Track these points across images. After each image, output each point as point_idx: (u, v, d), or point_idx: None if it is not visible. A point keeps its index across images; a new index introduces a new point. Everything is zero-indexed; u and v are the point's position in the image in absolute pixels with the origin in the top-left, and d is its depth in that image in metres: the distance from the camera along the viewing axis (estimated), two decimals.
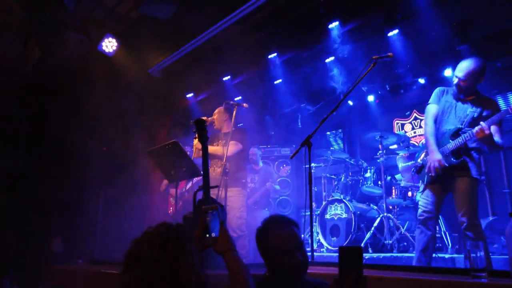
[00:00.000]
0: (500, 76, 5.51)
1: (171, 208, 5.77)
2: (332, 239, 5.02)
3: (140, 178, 6.50)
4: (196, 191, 2.82)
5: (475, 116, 3.16)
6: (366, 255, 4.45)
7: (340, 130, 7.68)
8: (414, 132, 6.62)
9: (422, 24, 4.69)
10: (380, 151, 5.15)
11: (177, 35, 5.45)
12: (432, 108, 3.36)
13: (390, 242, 4.62)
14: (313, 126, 3.22)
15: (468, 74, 3.11)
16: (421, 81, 6.00)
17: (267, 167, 6.25)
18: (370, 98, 6.88)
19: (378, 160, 5.14)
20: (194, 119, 3.02)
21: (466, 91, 3.20)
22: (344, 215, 5.02)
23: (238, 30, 5.11)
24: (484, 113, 3.16)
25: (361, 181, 5.45)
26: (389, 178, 5.24)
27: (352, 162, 5.79)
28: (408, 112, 6.74)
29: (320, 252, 5.04)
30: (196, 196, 2.87)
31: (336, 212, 5.12)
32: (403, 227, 4.77)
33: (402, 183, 5.15)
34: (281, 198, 6.60)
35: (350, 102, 7.10)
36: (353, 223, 4.87)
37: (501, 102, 5.62)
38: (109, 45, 5.55)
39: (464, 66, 3.13)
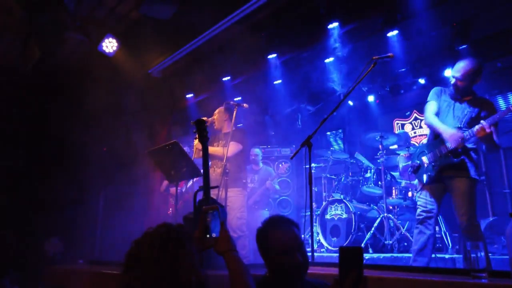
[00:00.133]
0: (500, 76, 5.52)
1: (170, 209, 5.76)
2: (332, 239, 5.03)
3: (140, 179, 6.51)
4: (196, 192, 2.81)
5: (473, 116, 3.18)
6: (366, 256, 4.45)
7: (340, 130, 7.69)
8: (414, 133, 6.62)
9: (422, 24, 4.69)
10: (380, 151, 5.15)
11: (177, 35, 5.45)
12: (432, 105, 3.36)
13: (390, 242, 4.62)
14: (313, 126, 3.22)
15: (465, 74, 3.13)
16: (421, 81, 6.01)
17: (266, 167, 6.25)
18: (370, 98, 6.89)
19: (379, 160, 5.14)
20: (194, 120, 3.02)
21: (463, 91, 3.22)
22: (344, 215, 5.02)
23: (238, 30, 5.11)
24: (482, 114, 3.17)
25: (361, 181, 5.45)
26: (388, 177, 5.24)
27: (352, 162, 5.79)
28: (408, 112, 6.74)
29: (320, 253, 5.04)
30: (196, 197, 2.87)
31: (336, 212, 5.12)
32: (403, 227, 4.77)
33: (403, 183, 5.15)
34: (281, 198, 6.60)
35: (350, 102, 7.10)
36: (353, 223, 4.87)
37: (501, 102, 5.62)
38: (109, 45, 5.55)
39: (461, 66, 3.15)
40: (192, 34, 5.39)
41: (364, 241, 4.79)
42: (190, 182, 5.69)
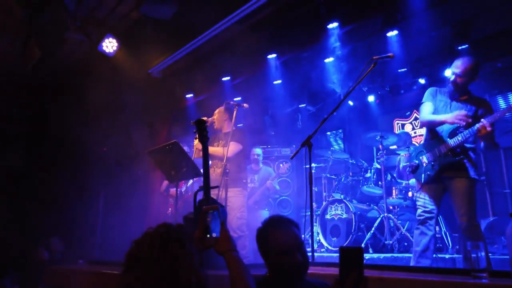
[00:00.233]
0: (500, 76, 5.52)
1: (169, 209, 5.76)
2: (333, 239, 5.02)
3: (141, 179, 6.51)
4: (196, 192, 2.81)
5: (471, 114, 3.17)
6: (367, 256, 4.44)
7: (340, 130, 7.69)
8: (415, 132, 6.61)
9: (422, 24, 4.69)
10: (380, 151, 5.15)
11: (177, 35, 5.45)
12: (427, 106, 3.35)
13: (391, 242, 4.62)
14: (313, 126, 3.22)
15: (465, 70, 3.15)
16: (421, 81, 6.01)
17: (266, 167, 6.25)
18: (371, 98, 6.89)
19: (379, 160, 5.14)
20: (194, 120, 3.02)
21: (462, 88, 3.22)
22: (345, 216, 5.02)
23: (238, 30, 5.11)
24: (479, 112, 3.18)
25: (361, 181, 5.45)
26: (389, 176, 5.24)
27: (352, 162, 5.79)
28: (409, 112, 6.74)
29: (321, 253, 5.03)
30: (196, 197, 2.87)
31: (336, 212, 5.12)
32: (403, 228, 4.77)
33: (403, 184, 5.15)
34: (281, 198, 6.60)
35: (350, 102, 7.10)
36: (354, 223, 4.87)
37: (501, 102, 5.62)
38: (110, 45, 5.54)
39: (461, 62, 3.17)
40: (192, 34, 5.39)
41: (364, 241, 4.79)
42: (190, 182, 5.69)
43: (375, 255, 4.46)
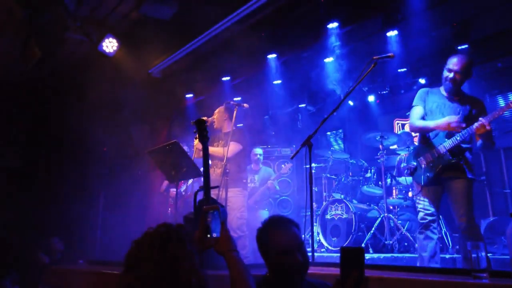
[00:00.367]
0: (500, 76, 5.52)
1: (169, 209, 5.76)
2: (333, 239, 5.02)
3: (141, 178, 6.51)
4: (196, 192, 2.81)
5: (465, 114, 3.16)
6: (367, 256, 4.44)
7: (340, 130, 7.69)
8: (415, 132, 6.61)
9: (422, 24, 4.68)
10: (380, 151, 5.15)
11: (177, 35, 5.45)
12: (417, 109, 3.33)
13: (391, 242, 4.62)
14: (313, 126, 3.22)
15: (463, 66, 3.14)
16: (422, 81, 6.01)
17: (266, 167, 6.26)
18: (371, 98, 6.89)
19: (379, 160, 5.13)
20: (194, 120, 3.02)
21: (459, 86, 3.20)
22: (345, 216, 5.02)
23: (238, 30, 5.11)
24: (474, 111, 3.17)
25: (361, 181, 5.44)
26: (389, 180, 5.23)
27: (352, 162, 5.79)
28: (409, 112, 6.72)
29: (321, 253, 5.03)
30: (196, 197, 2.86)
31: (336, 212, 5.12)
32: (403, 228, 4.77)
33: (404, 179, 5.13)
34: (281, 198, 6.60)
35: (351, 102, 7.10)
36: (354, 223, 4.87)
37: (501, 102, 5.62)
38: (110, 45, 5.54)
39: (458, 59, 3.16)
40: (192, 34, 5.39)
41: (364, 241, 4.79)
42: (190, 181, 5.69)
43: (375, 255, 4.46)
